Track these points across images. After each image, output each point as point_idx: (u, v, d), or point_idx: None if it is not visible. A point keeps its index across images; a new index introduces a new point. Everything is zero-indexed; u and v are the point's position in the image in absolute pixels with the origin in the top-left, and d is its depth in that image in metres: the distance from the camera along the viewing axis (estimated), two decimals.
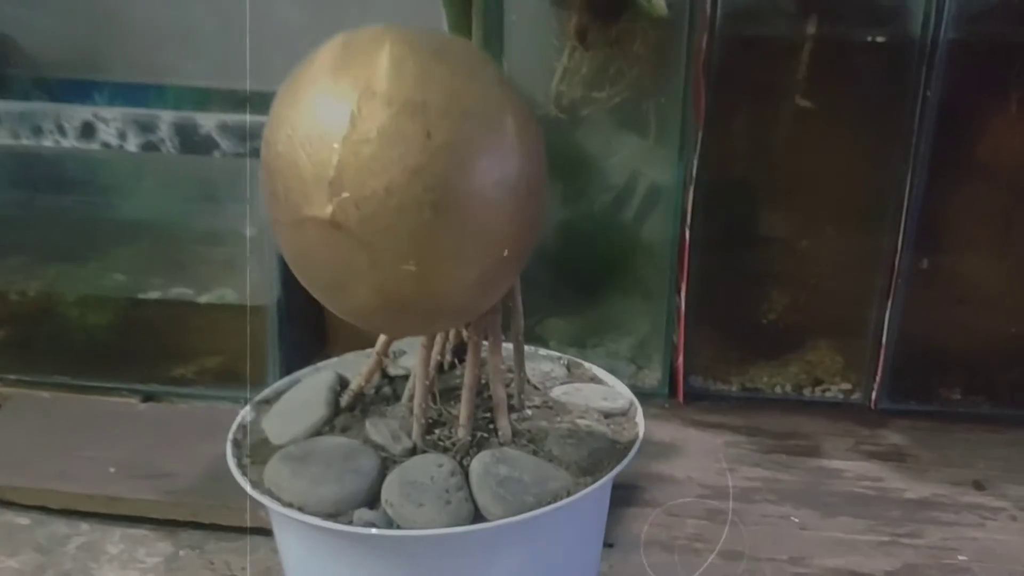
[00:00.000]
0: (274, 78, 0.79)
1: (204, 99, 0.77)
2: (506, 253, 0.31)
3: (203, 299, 0.65)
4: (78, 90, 0.77)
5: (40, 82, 0.78)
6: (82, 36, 0.79)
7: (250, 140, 0.61)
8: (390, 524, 0.33)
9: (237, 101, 0.77)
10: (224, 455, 0.38)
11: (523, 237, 0.32)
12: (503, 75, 0.31)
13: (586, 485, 0.35)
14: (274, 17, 0.76)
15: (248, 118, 0.62)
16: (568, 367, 0.46)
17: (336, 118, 0.29)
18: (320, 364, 0.45)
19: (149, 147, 0.61)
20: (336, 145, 0.29)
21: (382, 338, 0.41)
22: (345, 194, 0.29)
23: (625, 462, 0.37)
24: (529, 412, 0.41)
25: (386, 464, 0.36)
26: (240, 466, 0.37)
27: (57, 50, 0.79)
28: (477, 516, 0.34)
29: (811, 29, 0.57)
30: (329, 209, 0.30)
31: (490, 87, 0.29)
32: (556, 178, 0.66)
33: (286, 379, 0.44)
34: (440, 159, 0.29)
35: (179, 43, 0.77)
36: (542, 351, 0.48)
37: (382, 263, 0.30)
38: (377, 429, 0.38)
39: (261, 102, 0.78)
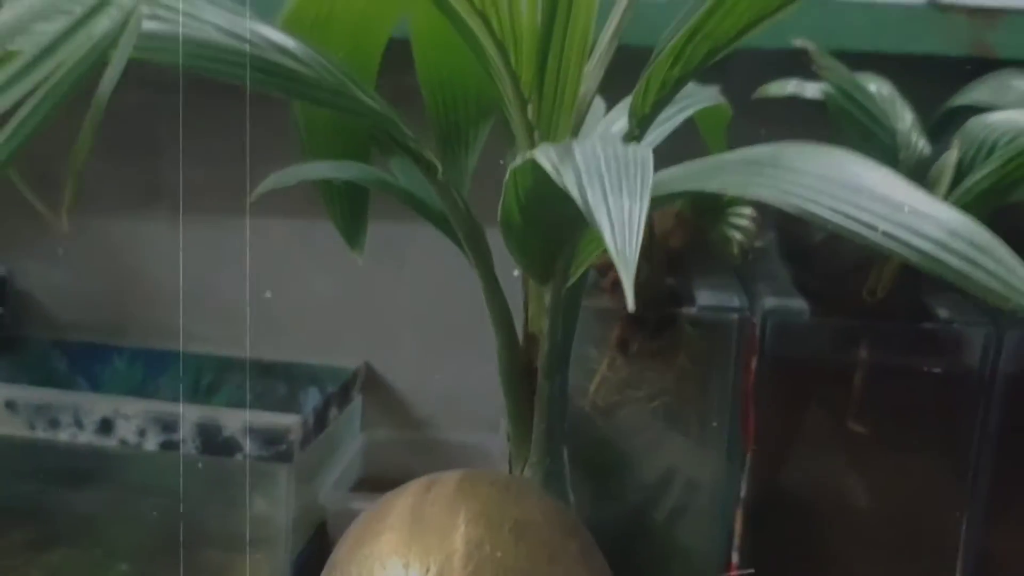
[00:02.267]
0: (299, 349, 0.77)
1: (225, 367, 0.75)
2: None
3: None
4: (98, 355, 0.75)
5: (59, 344, 0.76)
6: (104, 297, 0.78)
7: (274, 445, 0.58)
8: None
9: (261, 369, 0.76)
10: None
11: None
12: (585, 542, 0.28)
13: None
14: (302, 286, 0.75)
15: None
16: None
17: None
18: None
19: (169, 446, 0.59)
20: None
21: None
22: None
23: None
24: None
25: None
26: None
27: (77, 311, 0.78)
28: None
29: (863, 354, 0.56)
30: None
31: (574, 569, 0.26)
32: (588, 476, 0.63)
33: None
34: None
35: (202, 309, 0.75)
36: None
37: None
38: None
39: (284, 372, 0.77)
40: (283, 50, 0.34)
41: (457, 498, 0.27)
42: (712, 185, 0.25)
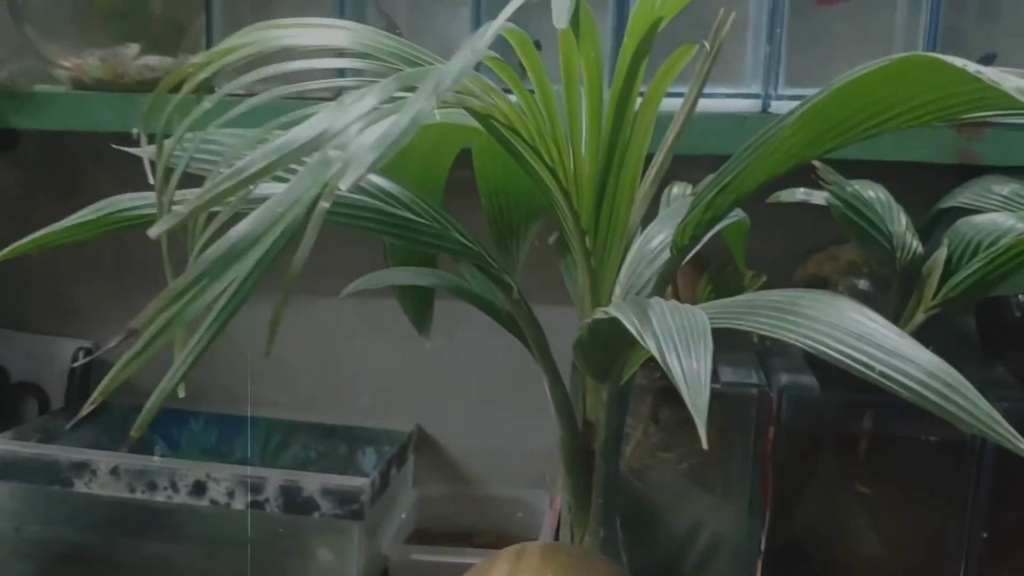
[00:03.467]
0: (358, 413, 0.85)
1: (292, 430, 0.83)
2: None
3: None
4: (175, 419, 0.83)
5: (139, 408, 0.84)
6: None
7: (348, 504, 0.66)
8: None
9: (322, 432, 0.83)
10: None
11: None
12: None
13: None
14: (362, 353, 0.83)
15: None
16: None
17: None
18: None
19: (255, 505, 0.66)
20: None
21: None
22: None
23: None
24: None
25: None
26: None
27: (156, 379, 0.86)
28: None
29: (868, 424, 0.63)
30: None
31: None
32: (625, 529, 0.70)
33: None
34: None
35: (271, 377, 0.83)
36: None
37: None
38: None
39: (345, 434, 0.84)
40: (392, 196, 0.42)
41: (544, 565, 0.35)
42: (745, 325, 0.33)
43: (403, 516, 0.76)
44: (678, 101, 0.43)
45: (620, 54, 0.38)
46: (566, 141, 0.40)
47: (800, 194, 0.60)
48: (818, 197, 0.59)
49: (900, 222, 0.61)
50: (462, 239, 0.42)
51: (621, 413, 0.44)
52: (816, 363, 0.68)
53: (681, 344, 0.30)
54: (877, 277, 0.68)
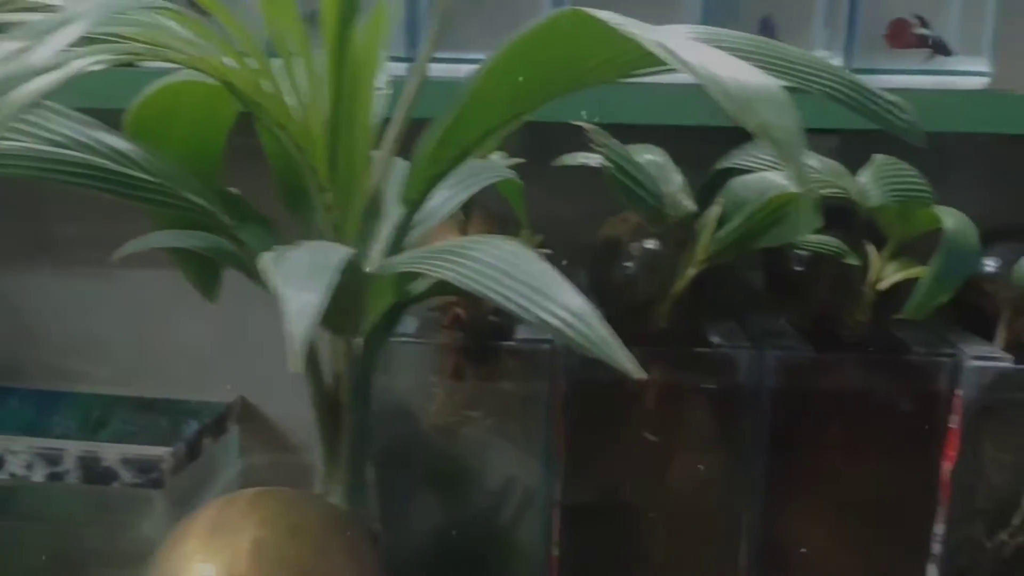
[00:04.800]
0: (177, 386, 0.85)
1: (111, 405, 0.82)
2: None
3: None
4: None
5: None
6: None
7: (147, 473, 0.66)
8: None
9: (142, 406, 0.83)
10: None
11: None
12: (354, 539, 0.37)
13: None
14: (183, 325, 0.83)
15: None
16: None
17: None
18: None
19: (55, 477, 0.66)
20: None
21: None
22: None
23: None
24: None
25: None
26: None
27: None
28: None
29: (653, 375, 0.66)
30: None
31: (338, 557, 0.36)
32: (434, 487, 0.72)
33: None
34: None
35: (88, 351, 0.83)
36: None
37: None
38: None
39: (167, 408, 0.84)
40: (125, 156, 0.43)
41: (248, 509, 0.36)
42: (421, 268, 0.34)
43: (225, 485, 0.77)
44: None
45: (322, 15, 0.39)
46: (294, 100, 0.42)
47: (581, 158, 0.63)
48: (596, 160, 0.62)
49: (673, 183, 0.64)
50: (199, 200, 0.43)
51: (366, 364, 0.46)
52: (610, 319, 0.71)
53: (306, 279, 0.32)
54: (676, 237, 0.71)
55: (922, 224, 0.58)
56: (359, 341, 0.45)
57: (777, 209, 0.60)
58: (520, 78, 0.36)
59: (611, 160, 0.60)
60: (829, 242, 0.61)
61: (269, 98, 0.41)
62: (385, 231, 0.46)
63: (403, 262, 0.35)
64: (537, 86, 0.37)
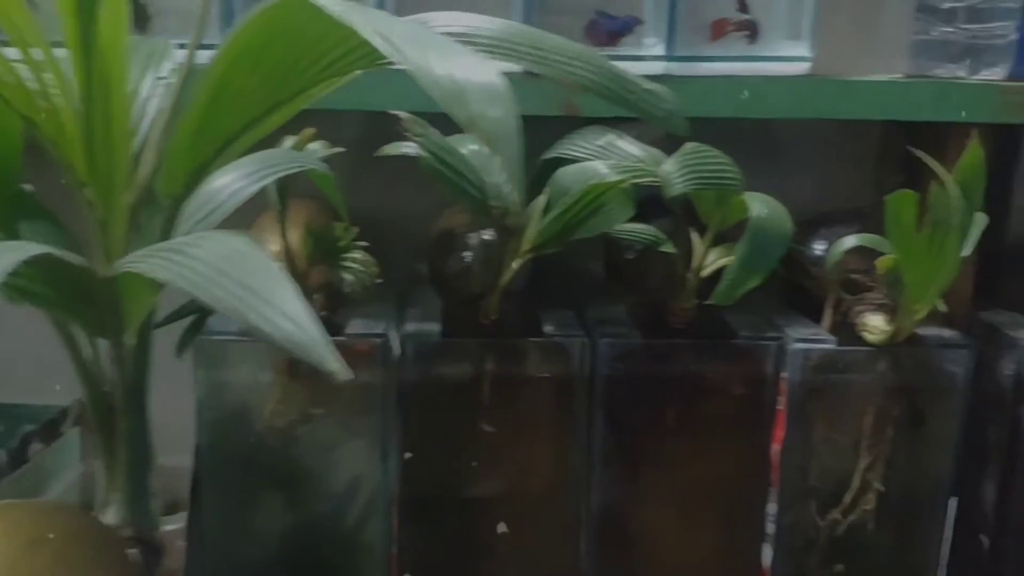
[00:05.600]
0: (17, 390, 0.81)
1: None
2: None
3: None
4: None
5: None
6: None
7: None
8: None
9: None
10: None
11: None
12: (99, 549, 0.36)
13: None
14: (18, 328, 0.80)
15: None
16: None
17: None
18: None
19: None
20: None
21: None
22: None
23: None
24: None
25: None
26: None
27: None
28: None
29: (488, 367, 0.66)
30: None
31: (80, 570, 0.34)
32: (277, 490, 0.71)
33: None
34: None
35: None
36: None
37: None
38: None
39: (3, 413, 0.81)
40: None
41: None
42: (142, 269, 0.33)
43: (63, 491, 0.74)
44: None
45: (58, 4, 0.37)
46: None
47: (403, 148, 0.62)
48: (414, 149, 0.61)
49: (498, 173, 0.63)
50: None
51: (137, 369, 0.44)
52: (445, 312, 0.70)
53: None
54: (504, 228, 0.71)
55: (735, 211, 0.59)
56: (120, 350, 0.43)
57: (595, 199, 0.59)
58: (257, 67, 0.35)
59: (428, 150, 0.59)
60: (644, 231, 0.61)
61: (14, 91, 0.39)
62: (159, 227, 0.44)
63: (126, 262, 0.33)
64: (280, 75, 0.36)
